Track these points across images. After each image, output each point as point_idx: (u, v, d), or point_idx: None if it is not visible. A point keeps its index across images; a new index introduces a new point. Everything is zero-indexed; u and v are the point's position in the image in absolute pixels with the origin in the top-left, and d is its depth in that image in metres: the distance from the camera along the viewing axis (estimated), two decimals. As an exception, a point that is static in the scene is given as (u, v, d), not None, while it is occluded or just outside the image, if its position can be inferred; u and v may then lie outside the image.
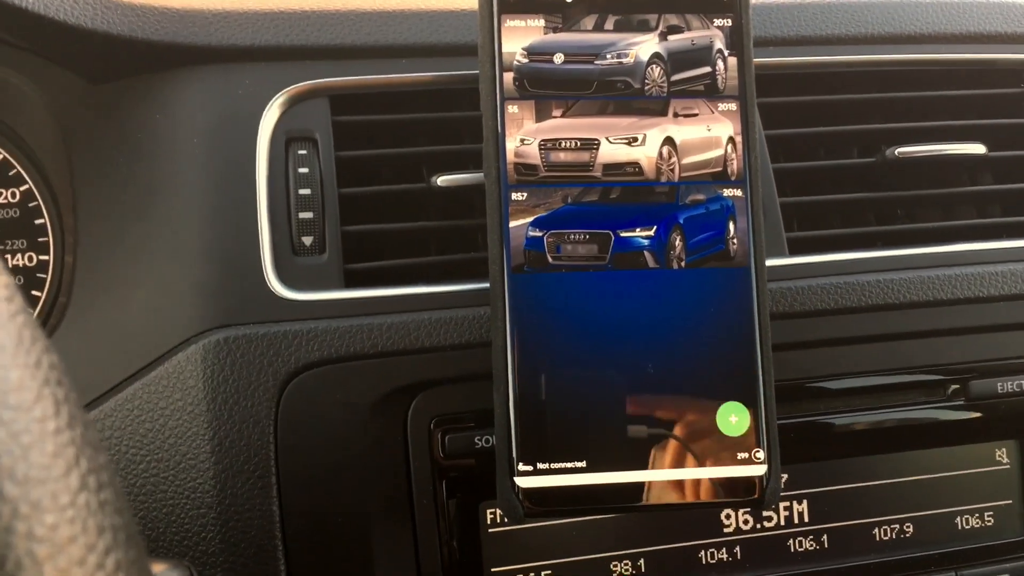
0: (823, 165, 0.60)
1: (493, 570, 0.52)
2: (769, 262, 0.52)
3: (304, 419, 0.49)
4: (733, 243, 0.49)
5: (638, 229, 0.49)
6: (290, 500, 0.48)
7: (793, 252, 0.56)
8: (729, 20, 0.51)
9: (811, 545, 0.55)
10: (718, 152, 0.50)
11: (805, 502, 0.55)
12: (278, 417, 0.48)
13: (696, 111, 0.50)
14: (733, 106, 0.50)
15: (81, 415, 0.22)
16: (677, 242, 0.49)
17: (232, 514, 0.47)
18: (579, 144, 0.49)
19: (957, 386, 0.57)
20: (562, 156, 0.49)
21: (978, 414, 0.57)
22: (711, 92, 0.50)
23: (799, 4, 0.61)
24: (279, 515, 0.48)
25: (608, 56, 0.50)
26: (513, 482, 0.46)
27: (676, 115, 0.50)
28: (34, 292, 0.58)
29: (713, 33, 0.51)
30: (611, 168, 0.49)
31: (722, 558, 0.54)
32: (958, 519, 0.58)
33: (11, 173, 0.59)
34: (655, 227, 0.49)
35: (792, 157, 0.60)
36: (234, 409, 0.48)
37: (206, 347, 0.48)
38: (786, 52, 0.60)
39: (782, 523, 0.55)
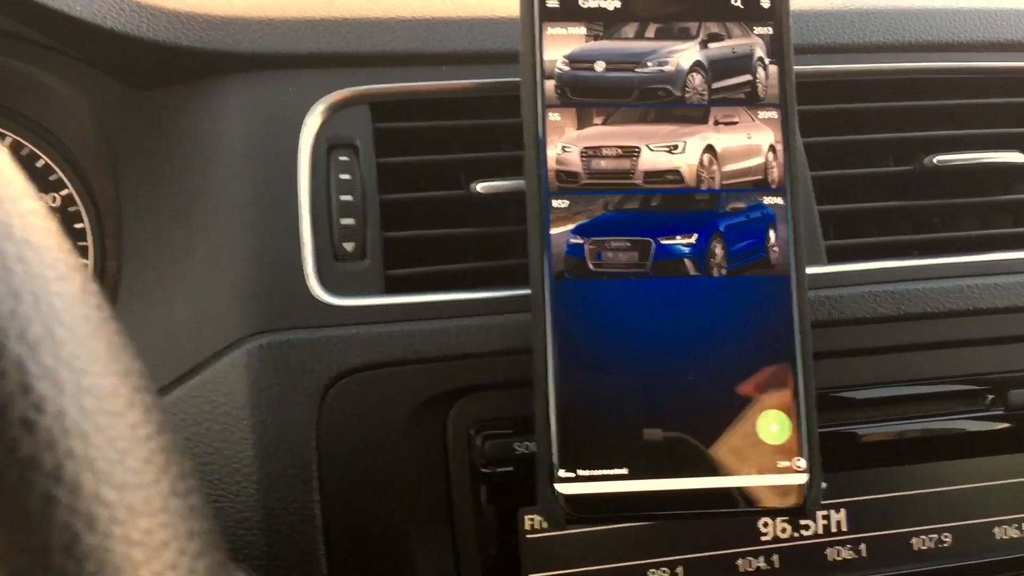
0: (860, 173, 0.60)
1: (531, 576, 0.52)
2: (808, 270, 0.52)
3: (346, 424, 0.49)
4: (774, 251, 0.49)
5: (679, 237, 0.49)
6: (332, 504, 0.48)
7: (831, 260, 0.56)
8: (770, 28, 0.51)
9: (849, 554, 0.55)
10: (759, 160, 0.50)
11: (843, 511, 0.55)
12: (320, 422, 0.49)
13: (737, 119, 0.50)
14: (774, 114, 0.50)
15: (167, 421, 0.22)
16: (718, 250, 0.49)
17: (276, 518, 0.48)
18: (620, 152, 0.49)
19: (995, 396, 0.57)
20: (603, 163, 0.49)
21: (1017, 424, 0.57)
22: (752, 100, 0.51)
23: (836, 12, 0.61)
24: (322, 519, 0.48)
25: (649, 64, 0.50)
26: (554, 489, 0.46)
27: (717, 123, 0.50)
28: (76, 296, 0.59)
29: (754, 41, 0.51)
30: (652, 175, 0.50)
31: (760, 566, 0.54)
32: (996, 529, 0.57)
33: (52, 178, 0.60)
34: (696, 235, 0.49)
35: (827, 165, 0.60)
36: (278, 414, 0.48)
37: (250, 352, 0.49)
38: (823, 60, 0.60)
39: (820, 531, 0.55)
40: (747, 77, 0.51)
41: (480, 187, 0.53)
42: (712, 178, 0.50)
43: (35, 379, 0.18)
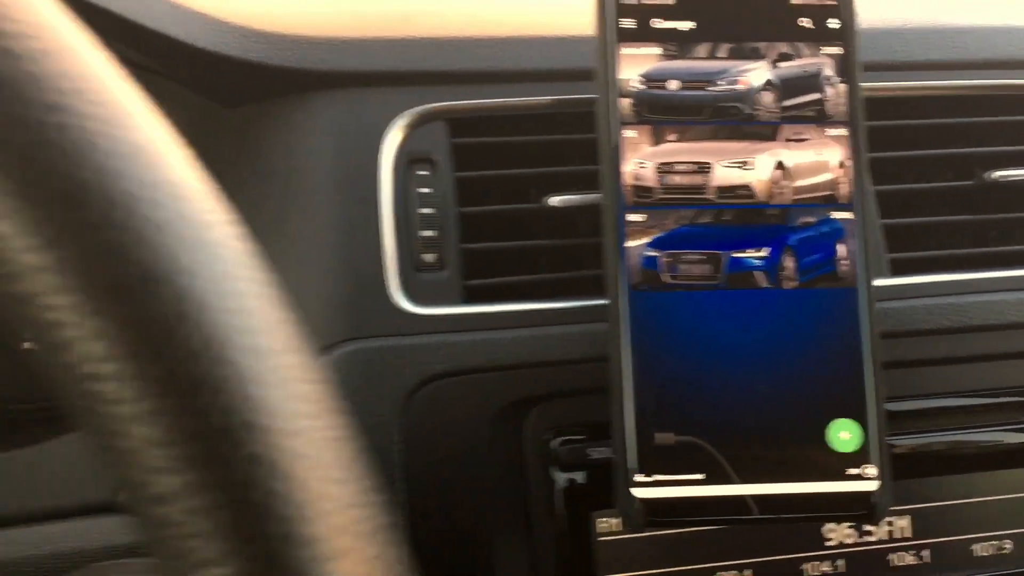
0: (921, 188, 0.61)
1: (603, 577, 0.54)
2: (873, 282, 0.53)
3: (427, 428, 0.51)
4: (843, 264, 0.51)
5: (751, 250, 0.51)
6: (415, 508, 0.50)
7: (895, 273, 0.58)
8: (838, 48, 0.53)
9: (912, 559, 0.56)
10: (828, 176, 0.52)
11: (907, 517, 0.56)
12: (403, 426, 0.51)
13: (806, 136, 0.52)
14: (843, 131, 0.52)
15: (355, 428, 0.24)
16: (788, 263, 0.51)
17: (364, 519, 0.50)
18: (694, 167, 0.51)
19: None
20: (677, 179, 0.51)
21: (1077, 433, 0.58)
22: (821, 118, 0.52)
23: (897, 30, 0.63)
24: (405, 519, 0.50)
25: (721, 83, 0.52)
26: (630, 493, 0.48)
27: (787, 140, 0.52)
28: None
29: (823, 60, 0.52)
30: (724, 191, 0.51)
31: (825, 571, 0.55)
32: (1056, 537, 0.58)
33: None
34: (767, 248, 0.51)
35: (889, 179, 0.61)
36: (363, 418, 0.50)
37: (337, 359, 0.51)
38: (884, 77, 0.62)
39: (884, 537, 0.56)
40: (816, 95, 0.52)
41: (554, 201, 0.55)
42: (782, 193, 0.51)
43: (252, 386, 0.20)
